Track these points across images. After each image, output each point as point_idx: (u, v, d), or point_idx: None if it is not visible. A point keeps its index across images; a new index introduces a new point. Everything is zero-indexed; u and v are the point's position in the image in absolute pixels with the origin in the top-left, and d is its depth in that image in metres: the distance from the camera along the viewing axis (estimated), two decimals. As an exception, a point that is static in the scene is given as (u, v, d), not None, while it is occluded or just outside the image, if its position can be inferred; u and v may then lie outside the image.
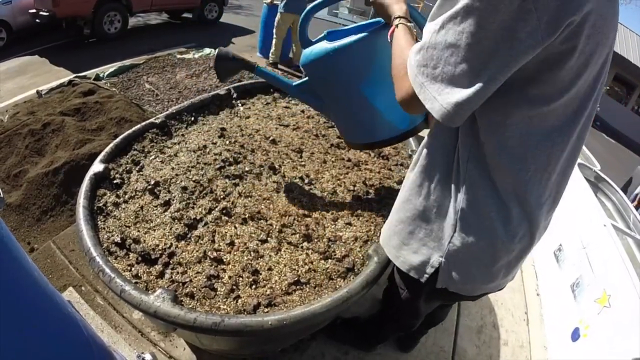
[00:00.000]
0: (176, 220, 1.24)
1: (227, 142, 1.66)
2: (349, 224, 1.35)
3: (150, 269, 1.09)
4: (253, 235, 1.23)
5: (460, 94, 0.63)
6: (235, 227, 1.25)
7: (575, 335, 1.70)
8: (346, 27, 1.34)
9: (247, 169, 1.52)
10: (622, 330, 1.45)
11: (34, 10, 5.38)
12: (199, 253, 1.15)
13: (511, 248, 0.84)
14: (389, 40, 0.90)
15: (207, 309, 1.01)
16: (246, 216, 1.30)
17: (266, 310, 1.02)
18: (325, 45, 1.15)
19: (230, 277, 1.09)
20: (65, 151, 2.63)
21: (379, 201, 1.50)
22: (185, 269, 1.10)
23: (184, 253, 1.14)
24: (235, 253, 1.17)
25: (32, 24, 5.59)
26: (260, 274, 1.12)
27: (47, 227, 2.26)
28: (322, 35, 1.27)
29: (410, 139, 1.76)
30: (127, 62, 4.80)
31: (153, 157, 1.52)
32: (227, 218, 1.29)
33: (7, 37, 5.49)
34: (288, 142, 1.77)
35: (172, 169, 1.45)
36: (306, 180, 1.52)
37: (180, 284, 1.05)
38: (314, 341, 1.63)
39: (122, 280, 0.98)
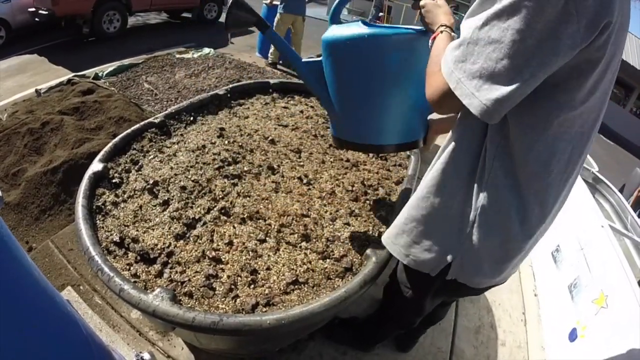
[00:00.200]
0: (175, 220, 1.24)
1: (226, 142, 1.67)
2: (347, 224, 1.35)
3: (149, 268, 1.10)
4: (252, 235, 1.24)
5: (500, 90, 0.64)
6: (234, 227, 1.26)
7: (573, 335, 1.70)
8: (379, 24, 1.26)
9: (245, 168, 1.52)
10: (620, 331, 1.46)
11: (33, 9, 5.37)
12: (198, 252, 1.15)
13: (524, 246, 0.87)
14: (429, 43, 0.91)
15: (205, 308, 1.01)
16: (245, 216, 1.30)
17: (264, 309, 1.02)
18: (361, 29, 1.07)
19: (228, 277, 1.09)
20: (64, 150, 2.63)
21: (377, 201, 1.51)
22: (184, 268, 1.10)
23: (182, 252, 1.15)
24: (233, 253, 1.17)
25: (32, 22, 5.57)
26: (259, 274, 1.12)
27: (46, 226, 2.26)
28: (352, 21, 1.19)
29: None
30: (126, 61, 4.79)
31: (152, 156, 1.52)
32: (225, 218, 1.29)
33: (6, 36, 5.48)
34: (287, 142, 1.77)
35: (171, 168, 1.45)
36: (305, 181, 1.52)
37: (179, 283, 1.06)
38: (312, 341, 1.63)
39: (120, 279, 0.98)
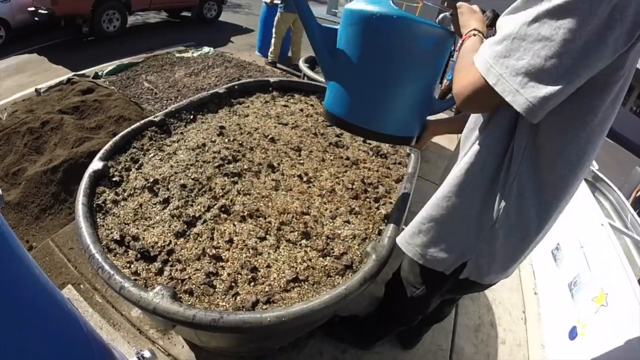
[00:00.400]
0: (175, 218, 1.24)
1: (226, 140, 1.67)
2: (348, 221, 1.35)
3: (150, 266, 1.10)
4: (252, 232, 1.24)
5: (547, 89, 0.64)
6: (234, 225, 1.26)
7: (573, 333, 1.70)
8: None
9: (246, 167, 1.52)
10: (620, 329, 1.46)
11: (32, 9, 5.36)
12: (198, 250, 1.15)
13: (537, 242, 0.90)
14: (459, 44, 0.90)
15: (206, 305, 1.01)
16: (245, 214, 1.30)
17: (265, 307, 1.02)
18: (395, 9, 1.02)
19: (229, 274, 1.09)
20: (64, 149, 2.63)
21: (377, 199, 1.51)
22: (184, 266, 1.10)
23: (183, 250, 1.15)
24: (234, 250, 1.17)
25: (31, 22, 5.56)
26: (259, 271, 1.12)
27: (46, 225, 2.26)
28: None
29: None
30: (126, 60, 4.79)
31: (152, 155, 1.52)
32: (225, 216, 1.29)
33: (5, 35, 5.47)
34: (287, 140, 1.77)
35: (171, 166, 1.45)
36: (305, 178, 1.52)
37: (179, 281, 1.06)
38: (312, 339, 1.63)
39: (121, 277, 0.98)
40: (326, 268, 1.17)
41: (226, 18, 8.36)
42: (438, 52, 1.05)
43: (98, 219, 1.21)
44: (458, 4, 0.99)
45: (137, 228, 1.20)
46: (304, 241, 1.25)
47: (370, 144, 1.93)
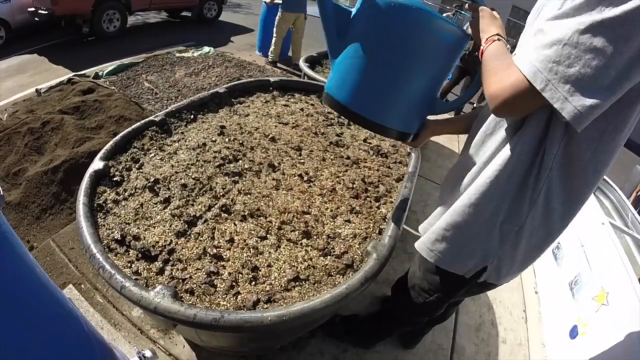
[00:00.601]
0: (176, 217, 1.24)
1: (227, 139, 1.67)
2: (348, 221, 1.35)
3: (150, 265, 1.10)
4: (252, 232, 1.24)
5: (594, 99, 0.65)
6: (235, 224, 1.26)
7: (574, 333, 1.70)
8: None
9: (246, 166, 1.52)
10: (620, 328, 1.46)
11: (32, 9, 5.36)
12: (199, 250, 1.15)
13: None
14: (483, 48, 0.89)
15: (207, 305, 1.01)
16: (245, 213, 1.30)
17: (266, 306, 1.02)
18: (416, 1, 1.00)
19: (229, 274, 1.10)
20: (64, 149, 2.63)
21: (378, 199, 1.51)
22: (185, 265, 1.11)
23: (183, 250, 1.15)
24: (234, 250, 1.17)
25: (31, 22, 5.56)
26: (260, 271, 1.12)
27: (47, 225, 2.26)
28: None
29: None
30: (126, 60, 4.78)
31: (153, 154, 1.52)
32: (226, 215, 1.29)
33: (5, 36, 5.47)
34: (287, 139, 1.77)
35: (172, 166, 1.45)
36: (305, 178, 1.52)
37: (180, 281, 1.06)
38: (312, 339, 1.63)
39: (122, 276, 0.98)
40: (327, 267, 1.17)
41: (226, 18, 8.36)
42: (452, 52, 1.04)
43: (99, 219, 1.21)
44: (480, 7, 0.98)
45: (138, 228, 1.20)
46: (304, 240, 1.25)
47: (370, 143, 1.93)
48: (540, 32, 0.71)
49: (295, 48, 5.53)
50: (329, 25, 1.09)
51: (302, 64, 3.24)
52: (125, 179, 1.38)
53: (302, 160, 1.65)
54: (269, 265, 1.14)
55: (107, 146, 1.46)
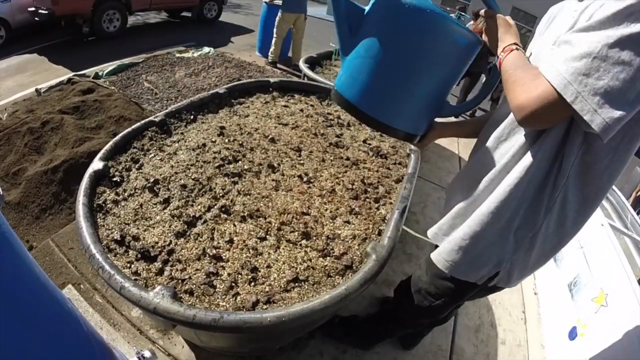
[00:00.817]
0: (175, 218, 1.24)
1: (227, 140, 1.67)
2: (348, 222, 1.35)
3: (150, 266, 1.10)
4: (252, 232, 1.24)
5: (621, 110, 0.66)
6: (234, 225, 1.26)
7: (573, 334, 1.71)
8: None
9: (246, 167, 1.52)
10: (619, 329, 1.46)
11: (32, 9, 5.36)
12: (198, 250, 1.15)
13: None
14: (501, 58, 0.90)
15: (206, 305, 1.01)
16: (245, 214, 1.30)
17: (265, 307, 1.02)
18: (433, 6, 0.99)
19: (229, 274, 1.10)
20: (64, 149, 2.63)
21: (377, 200, 1.51)
22: (185, 266, 1.11)
23: (183, 250, 1.15)
24: (234, 250, 1.17)
25: (31, 22, 5.56)
26: (259, 271, 1.12)
27: (46, 225, 2.26)
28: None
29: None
30: (126, 60, 4.79)
31: (152, 155, 1.52)
32: (226, 216, 1.29)
33: (6, 35, 5.47)
34: (287, 140, 1.77)
35: (172, 167, 1.45)
36: (305, 179, 1.52)
37: (180, 281, 1.06)
38: (312, 339, 1.63)
39: (121, 277, 0.98)
40: (326, 268, 1.17)
41: (226, 18, 8.36)
42: (464, 57, 1.04)
43: (98, 219, 1.21)
44: (497, 15, 0.98)
45: (138, 228, 1.20)
46: (304, 241, 1.25)
47: (370, 144, 1.93)
48: (566, 43, 0.72)
49: (295, 49, 5.53)
50: (341, 21, 1.08)
51: (302, 65, 3.24)
52: (125, 179, 1.38)
53: (302, 161, 1.65)
54: (269, 266, 1.14)
55: (107, 146, 1.46)
